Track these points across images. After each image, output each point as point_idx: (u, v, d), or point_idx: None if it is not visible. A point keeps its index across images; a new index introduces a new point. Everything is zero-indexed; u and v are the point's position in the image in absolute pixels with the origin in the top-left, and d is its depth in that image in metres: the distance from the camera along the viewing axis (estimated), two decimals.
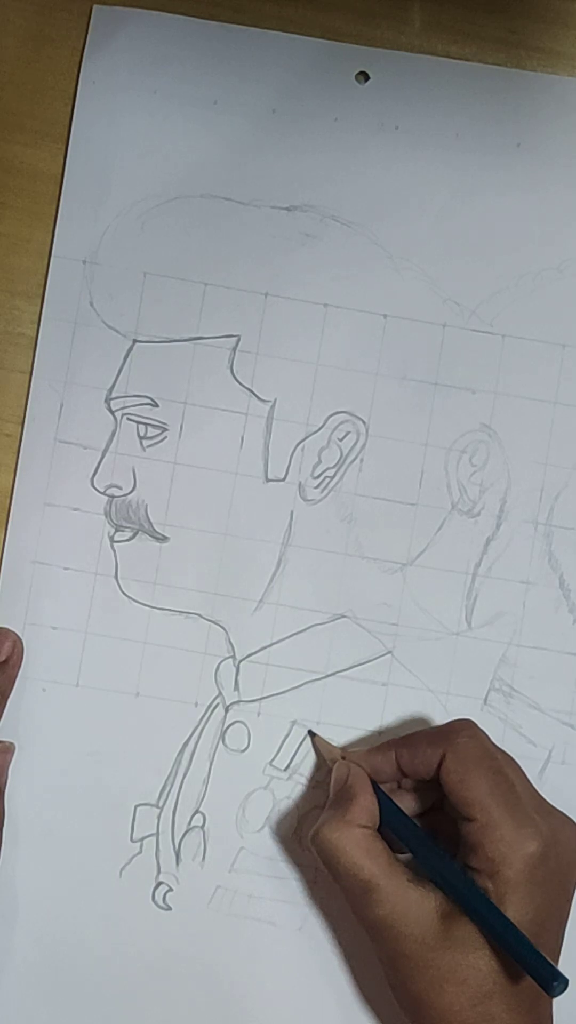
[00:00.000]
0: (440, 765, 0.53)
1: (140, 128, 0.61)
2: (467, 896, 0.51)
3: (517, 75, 0.61)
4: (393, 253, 0.61)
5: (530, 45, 0.62)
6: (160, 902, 0.59)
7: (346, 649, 0.60)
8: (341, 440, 0.60)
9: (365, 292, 0.61)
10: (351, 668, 0.60)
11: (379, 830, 0.54)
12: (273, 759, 0.59)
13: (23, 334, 0.61)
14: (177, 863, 0.59)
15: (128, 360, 0.60)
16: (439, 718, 0.60)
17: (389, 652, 0.60)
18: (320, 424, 0.60)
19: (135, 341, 0.60)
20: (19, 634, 0.59)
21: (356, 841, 0.53)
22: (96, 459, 0.60)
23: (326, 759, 0.59)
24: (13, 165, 0.61)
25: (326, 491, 0.60)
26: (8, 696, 0.59)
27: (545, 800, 0.55)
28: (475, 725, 0.55)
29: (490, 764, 0.53)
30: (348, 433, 0.60)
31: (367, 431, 0.60)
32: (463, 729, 0.55)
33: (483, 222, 0.61)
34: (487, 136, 0.61)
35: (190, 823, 0.59)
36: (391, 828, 0.54)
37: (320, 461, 0.60)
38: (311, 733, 0.59)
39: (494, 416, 0.61)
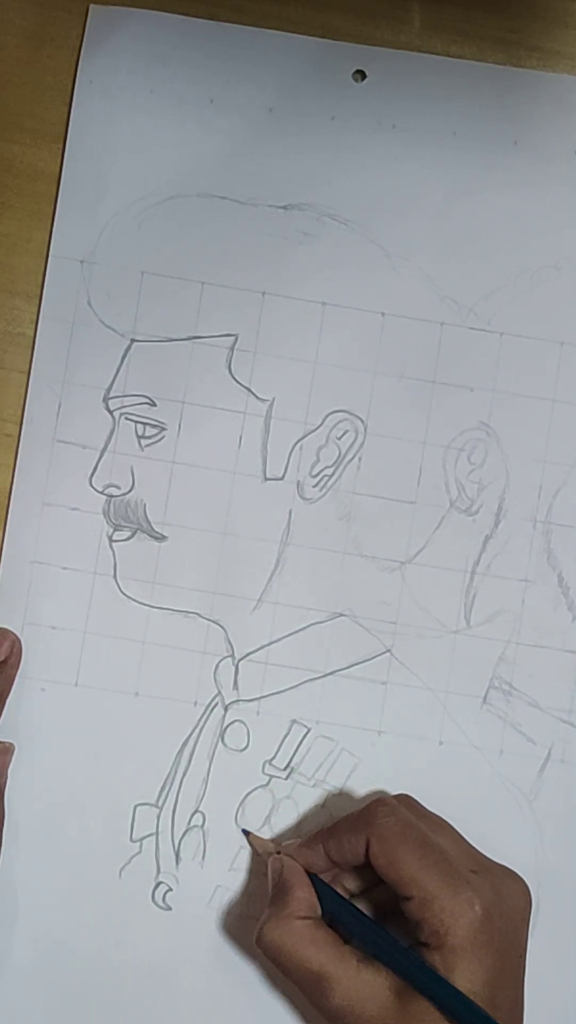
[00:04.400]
0: (367, 850, 0.53)
1: (137, 127, 0.61)
2: (416, 974, 0.51)
3: (513, 73, 0.61)
4: (391, 251, 0.61)
5: (529, 44, 0.62)
6: (160, 902, 0.59)
7: (345, 648, 0.60)
8: (339, 439, 0.60)
9: (363, 290, 0.61)
10: (350, 667, 0.60)
11: (324, 919, 0.54)
12: (272, 758, 0.59)
13: (23, 334, 0.61)
14: (177, 863, 0.59)
15: (126, 359, 0.60)
16: (439, 716, 0.60)
17: (388, 651, 0.60)
18: (318, 423, 0.60)
19: (133, 340, 0.60)
20: (18, 634, 0.59)
21: (298, 934, 0.52)
22: (94, 458, 0.60)
23: (260, 854, 0.58)
24: (12, 165, 0.61)
25: (324, 490, 0.60)
26: (7, 696, 0.59)
27: (483, 856, 0.55)
28: (391, 800, 0.55)
29: (415, 838, 0.53)
30: (346, 432, 0.60)
31: (365, 430, 0.60)
32: (380, 809, 0.54)
33: (481, 220, 0.61)
34: (484, 134, 0.61)
35: (190, 822, 0.59)
36: (333, 916, 0.54)
37: (318, 460, 0.60)
38: (245, 832, 0.59)
39: (492, 414, 0.61)
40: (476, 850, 0.55)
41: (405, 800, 0.56)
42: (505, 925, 0.52)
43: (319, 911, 0.54)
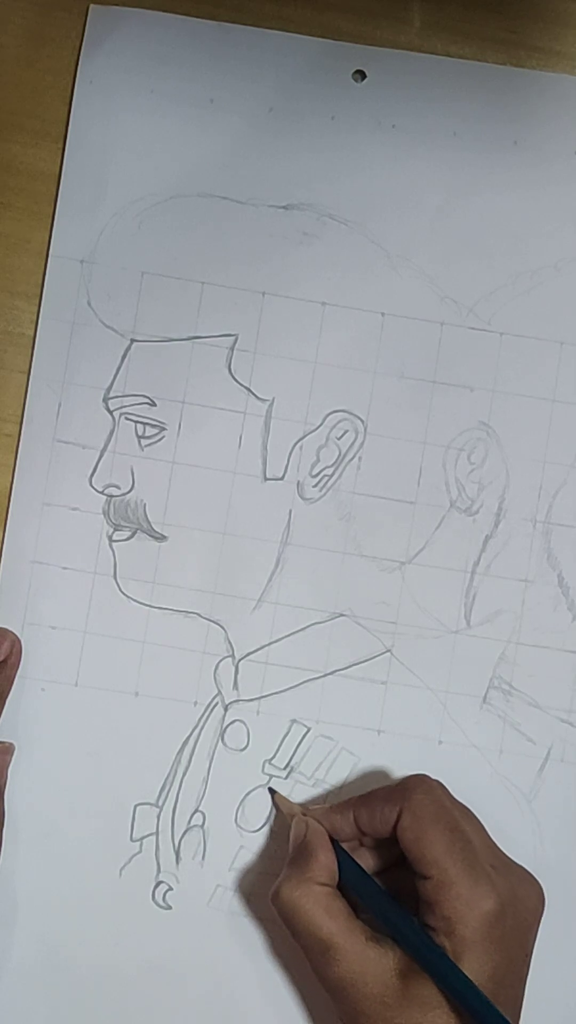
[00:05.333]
0: (396, 823, 0.53)
1: (137, 127, 0.61)
2: (425, 953, 0.51)
3: (513, 73, 0.61)
4: (391, 251, 0.61)
5: (530, 44, 0.62)
6: (160, 901, 0.59)
7: (345, 648, 0.60)
8: (339, 439, 0.60)
9: (363, 290, 0.61)
10: (350, 667, 0.60)
11: (339, 888, 0.54)
12: (272, 758, 0.59)
13: (23, 334, 0.61)
14: (177, 862, 0.59)
15: (126, 359, 0.60)
16: (439, 716, 0.60)
17: (388, 651, 0.60)
18: (318, 423, 0.60)
19: (133, 340, 0.60)
20: (18, 634, 0.59)
21: (315, 899, 0.53)
22: (94, 458, 0.60)
23: (285, 815, 0.58)
24: (12, 165, 0.61)
25: (324, 490, 0.60)
26: (7, 696, 0.59)
27: (504, 854, 0.55)
28: (430, 780, 0.55)
29: (446, 821, 0.53)
30: (346, 432, 0.60)
31: (365, 429, 0.60)
32: (418, 786, 0.54)
33: (481, 220, 0.61)
34: (484, 134, 0.61)
35: (190, 822, 0.59)
36: (350, 886, 0.54)
37: (318, 460, 0.60)
38: (271, 791, 0.59)
39: (492, 414, 0.61)
40: (498, 847, 0.55)
41: (439, 783, 0.55)
42: (517, 924, 0.52)
43: (336, 879, 0.54)
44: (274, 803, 0.59)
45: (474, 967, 0.50)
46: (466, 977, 0.50)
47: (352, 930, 0.52)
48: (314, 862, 0.54)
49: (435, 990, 0.50)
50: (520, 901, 0.53)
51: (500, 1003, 0.50)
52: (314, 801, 0.59)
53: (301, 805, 0.59)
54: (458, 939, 0.50)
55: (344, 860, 0.55)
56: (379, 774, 0.60)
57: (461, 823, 0.54)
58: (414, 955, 0.51)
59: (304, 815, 0.57)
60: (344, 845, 0.55)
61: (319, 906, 0.53)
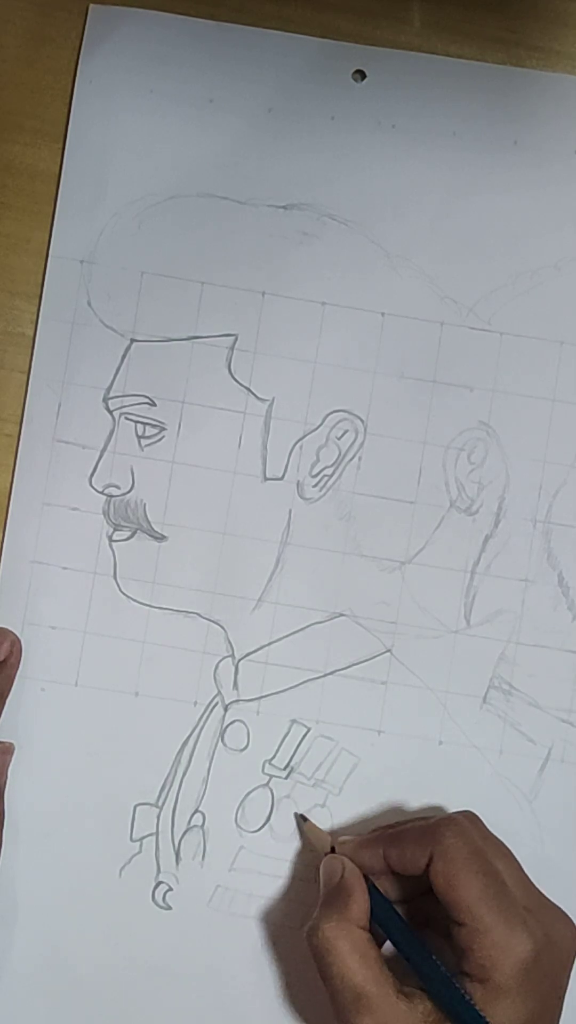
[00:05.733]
0: (428, 865, 0.52)
1: (137, 127, 0.61)
2: (455, 1006, 0.49)
3: (513, 72, 0.61)
4: (391, 251, 0.61)
5: (529, 44, 0.62)
6: (160, 901, 0.59)
7: (345, 648, 0.60)
8: (339, 438, 0.60)
9: (363, 290, 0.61)
10: (350, 667, 0.60)
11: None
12: (272, 758, 0.59)
13: (23, 334, 0.61)
14: (177, 862, 0.59)
15: (126, 359, 0.60)
16: (439, 716, 0.60)
17: (388, 651, 0.60)
18: (318, 423, 0.60)
19: (133, 340, 0.60)
20: (18, 634, 0.59)
21: (353, 943, 0.51)
22: (94, 458, 0.60)
23: (316, 847, 0.58)
24: (12, 165, 0.61)
25: (324, 490, 0.60)
26: (7, 696, 0.59)
27: (539, 892, 0.54)
28: (462, 820, 0.54)
29: (479, 864, 0.52)
30: (346, 431, 0.60)
31: (365, 429, 0.60)
32: (449, 827, 0.53)
33: (480, 220, 0.61)
34: (484, 134, 0.61)
35: (190, 822, 0.59)
36: (380, 926, 0.53)
37: (318, 459, 0.60)
38: (303, 818, 0.59)
39: (492, 414, 0.61)
40: (531, 882, 0.54)
41: (471, 819, 0.54)
42: (552, 967, 0.51)
43: (369, 920, 0.53)
44: (302, 832, 0.59)
45: (509, 1015, 0.49)
46: None
47: (384, 980, 0.50)
48: (352, 903, 0.53)
49: None
50: (555, 943, 0.51)
51: None
52: (312, 799, 0.59)
53: (331, 835, 0.58)
54: (493, 987, 0.49)
55: (376, 899, 0.53)
56: (380, 774, 0.59)
57: (495, 864, 0.52)
58: (440, 1004, 0.50)
59: (332, 850, 0.56)
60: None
61: (356, 951, 0.51)
